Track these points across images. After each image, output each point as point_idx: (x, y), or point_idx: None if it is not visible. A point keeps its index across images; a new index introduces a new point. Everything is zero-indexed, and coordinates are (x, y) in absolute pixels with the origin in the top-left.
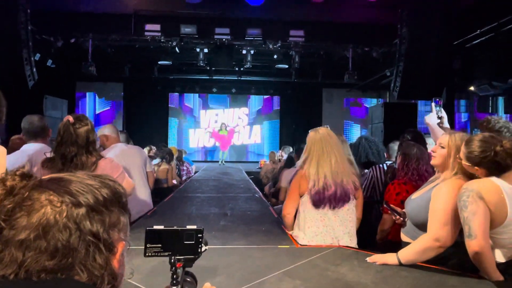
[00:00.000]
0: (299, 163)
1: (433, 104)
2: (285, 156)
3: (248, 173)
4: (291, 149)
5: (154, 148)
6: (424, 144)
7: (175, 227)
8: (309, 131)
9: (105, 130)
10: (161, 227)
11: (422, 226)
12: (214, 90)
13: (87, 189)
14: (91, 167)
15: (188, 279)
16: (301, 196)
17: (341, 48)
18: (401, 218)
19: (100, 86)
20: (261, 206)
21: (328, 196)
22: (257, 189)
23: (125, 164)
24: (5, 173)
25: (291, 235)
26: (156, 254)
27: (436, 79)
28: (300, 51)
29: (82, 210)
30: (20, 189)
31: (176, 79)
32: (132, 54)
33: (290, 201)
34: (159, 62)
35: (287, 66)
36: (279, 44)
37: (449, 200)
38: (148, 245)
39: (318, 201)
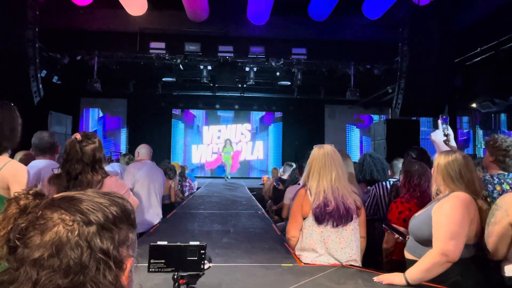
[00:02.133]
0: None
1: (440, 121)
2: (286, 174)
3: (251, 189)
4: (293, 166)
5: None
6: (428, 161)
7: (178, 243)
8: (314, 146)
9: (141, 149)
10: (165, 243)
11: (424, 242)
12: (217, 106)
13: (97, 207)
14: (96, 185)
15: None
16: (304, 218)
17: (343, 65)
18: (401, 238)
19: (104, 102)
20: (264, 223)
21: (329, 212)
22: (259, 206)
23: (149, 179)
24: (18, 192)
25: (294, 253)
26: (160, 269)
27: (438, 96)
28: (302, 68)
29: (93, 228)
30: (33, 208)
31: (180, 95)
32: (137, 71)
33: (293, 224)
34: (163, 79)
35: (289, 83)
36: (281, 62)
37: (455, 212)
38: (151, 261)
39: (320, 216)
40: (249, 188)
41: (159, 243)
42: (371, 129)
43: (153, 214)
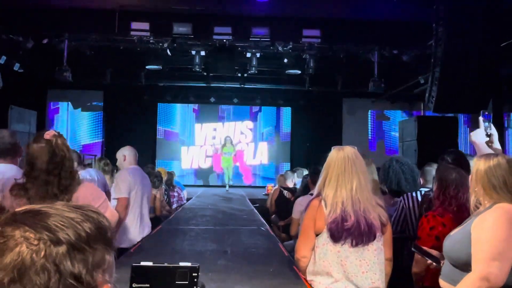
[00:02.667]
0: (316, 188)
1: (481, 118)
2: (298, 181)
3: (253, 200)
4: (305, 172)
5: None
6: (467, 168)
7: (165, 264)
8: (332, 148)
9: (125, 151)
10: (150, 263)
11: (462, 267)
12: (212, 100)
13: (67, 224)
14: (67, 194)
15: None
16: (317, 235)
17: (364, 50)
18: (435, 264)
19: (76, 94)
20: (268, 242)
21: (348, 228)
22: (263, 220)
23: (142, 186)
24: None
25: (305, 278)
26: None
27: (480, 88)
28: (315, 54)
29: (62, 249)
30: None
31: (167, 86)
32: (115, 57)
33: (304, 241)
34: (147, 67)
35: (299, 72)
36: (290, 46)
37: (498, 228)
38: (134, 285)
39: (336, 233)
40: (250, 199)
41: (142, 263)
42: (399, 128)
43: (146, 226)
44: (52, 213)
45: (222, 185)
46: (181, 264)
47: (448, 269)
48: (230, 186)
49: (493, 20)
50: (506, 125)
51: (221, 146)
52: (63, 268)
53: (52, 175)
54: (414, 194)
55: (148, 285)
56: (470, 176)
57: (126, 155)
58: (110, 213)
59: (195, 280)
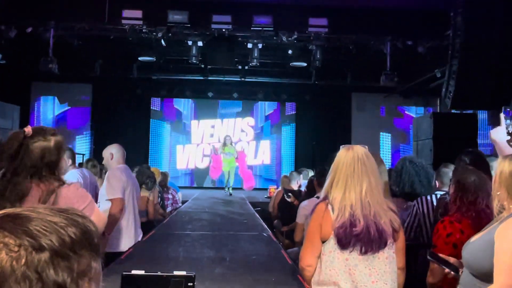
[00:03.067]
0: (322, 191)
1: (502, 115)
2: (303, 183)
3: (254, 204)
4: (310, 173)
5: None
6: (486, 169)
7: (158, 273)
8: (341, 147)
9: (113, 149)
10: (141, 272)
11: (484, 277)
12: (210, 94)
13: (50, 229)
14: (46, 196)
15: None
16: (323, 242)
17: (376, 41)
18: (453, 272)
19: (62, 88)
20: (270, 248)
21: (357, 234)
22: (265, 225)
23: (133, 187)
24: None
25: None
26: None
27: (501, 83)
28: (322, 45)
29: (45, 256)
30: None
31: (161, 80)
32: (105, 47)
33: (309, 248)
34: (140, 58)
35: (305, 65)
36: (295, 36)
37: None
38: None
39: (344, 239)
40: (251, 203)
41: (133, 272)
42: (414, 125)
43: (138, 228)
44: (34, 217)
45: (221, 187)
46: (176, 272)
47: (467, 278)
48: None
49: None
50: None
51: (221, 146)
52: (45, 277)
53: (22, 173)
54: (429, 197)
55: None
56: (494, 178)
57: (113, 153)
58: (96, 216)
59: (192, 285)
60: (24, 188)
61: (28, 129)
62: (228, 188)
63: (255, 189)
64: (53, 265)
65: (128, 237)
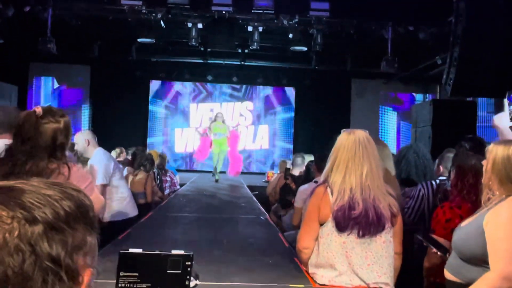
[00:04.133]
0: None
1: (506, 101)
2: (297, 168)
3: (252, 188)
4: (304, 159)
5: (124, 152)
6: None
7: (156, 251)
8: (342, 131)
9: (87, 135)
10: (139, 250)
11: (470, 260)
12: (210, 78)
13: (44, 201)
14: (50, 175)
15: None
16: (321, 225)
17: (377, 26)
18: (439, 253)
19: (61, 69)
20: (268, 232)
21: (355, 217)
22: (262, 209)
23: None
24: None
25: (306, 271)
26: (132, 285)
27: (502, 70)
28: (323, 30)
29: (39, 228)
30: None
31: (160, 62)
32: (104, 28)
33: (306, 231)
34: (139, 40)
35: (305, 49)
36: (296, 20)
37: None
38: (121, 274)
39: (343, 221)
40: (249, 187)
41: (131, 250)
42: (413, 112)
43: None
44: (27, 190)
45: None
46: (174, 252)
47: (454, 262)
48: (222, 173)
49: None
50: None
51: (211, 124)
52: (39, 250)
53: (36, 154)
54: (433, 182)
55: (136, 274)
56: (485, 165)
57: (89, 139)
58: (95, 197)
59: (189, 269)
60: (41, 170)
61: (39, 110)
62: (215, 174)
63: (253, 173)
64: (47, 238)
65: (129, 207)
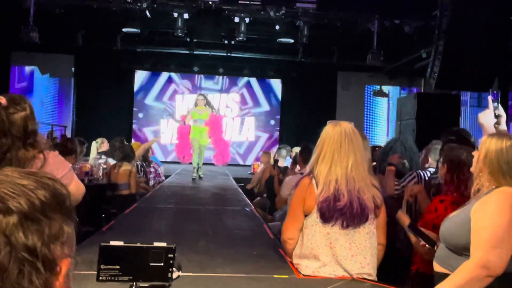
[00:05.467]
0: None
1: (489, 97)
2: (287, 162)
3: (238, 179)
4: (290, 151)
5: (106, 142)
6: (471, 147)
7: (138, 244)
8: (328, 122)
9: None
10: (120, 243)
11: (459, 251)
12: (196, 69)
13: (18, 191)
14: (29, 163)
15: None
16: (306, 216)
17: (363, 19)
18: (428, 246)
19: (43, 58)
20: (253, 223)
21: (340, 208)
22: (248, 201)
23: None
24: None
25: (291, 262)
26: (113, 278)
27: (486, 64)
28: (310, 22)
29: (13, 219)
30: None
31: (146, 52)
32: (88, 17)
33: (291, 222)
34: (124, 30)
35: (292, 41)
36: (282, 12)
37: (501, 213)
38: (102, 266)
39: (327, 212)
40: (235, 178)
41: (112, 243)
42: (397, 105)
43: None
44: (1, 180)
45: (210, 163)
46: (156, 244)
47: (443, 253)
48: (206, 164)
49: None
50: (511, 104)
51: (191, 111)
52: (14, 240)
53: (14, 144)
54: (424, 173)
55: (117, 267)
56: (476, 157)
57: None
58: (75, 185)
59: (171, 261)
60: (22, 160)
61: (3, 100)
62: (197, 170)
63: (238, 165)
64: (22, 228)
65: None
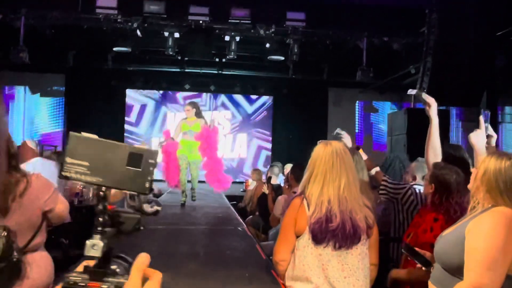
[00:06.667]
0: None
1: (481, 118)
2: (279, 179)
3: (230, 197)
4: (282, 168)
5: None
6: (463, 165)
7: (115, 142)
8: (318, 142)
9: (31, 144)
10: (94, 136)
11: (454, 271)
12: (187, 86)
13: None
14: (14, 187)
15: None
16: (297, 237)
17: (353, 37)
18: (423, 267)
19: (34, 78)
20: (245, 243)
21: (332, 229)
22: (240, 220)
23: None
24: None
25: (283, 283)
26: (79, 176)
27: (474, 79)
28: (300, 39)
29: None
30: None
31: (137, 71)
32: (79, 37)
33: (283, 243)
34: (115, 49)
35: (282, 58)
36: (272, 30)
37: (496, 234)
38: (68, 159)
39: (319, 234)
40: (227, 196)
41: (84, 134)
42: (388, 121)
43: None
44: None
45: (202, 180)
46: (136, 145)
47: (438, 272)
48: (202, 182)
49: (489, 7)
50: (499, 120)
51: (179, 124)
52: None
53: None
54: (418, 190)
55: (87, 163)
56: (474, 174)
57: (33, 148)
58: (60, 207)
59: (151, 168)
60: (7, 184)
61: None
62: (186, 194)
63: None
64: None
65: None
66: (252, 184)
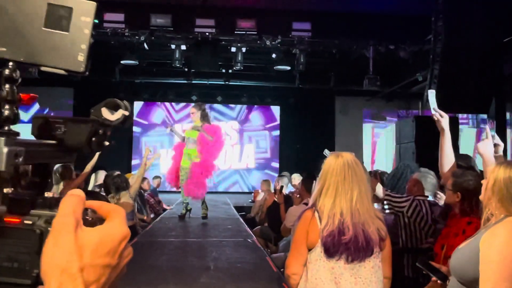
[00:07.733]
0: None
1: (488, 127)
2: (287, 189)
3: (238, 208)
4: (289, 178)
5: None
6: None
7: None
8: (329, 154)
9: None
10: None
11: (470, 284)
12: (194, 98)
13: None
14: None
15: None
16: (309, 250)
17: (359, 45)
18: (439, 281)
19: (43, 91)
20: (255, 255)
21: (345, 242)
22: (250, 231)
23: None
24: None
25: None
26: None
27: (482, 86)
28: (306, 49)
29: None
30: None
31: (144, 83)
32: None
33: (295, 256)
34: (122, 62)
35: (289, 68)
36: (278, 40)
37: (509, 246)
38: None
39: (332, 247)
40: (235, 207)
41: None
42: (396, 129)
43: None
44: None
45: (211, 191)
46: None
47: (454, 286)
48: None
49: (495, 14)
50: (508, 126)
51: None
52: None
53: None
54: (427, 202)
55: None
56: (485, 185)
57: None
58: None
59: (89, 20)
60: None
61: None
62: (185, 207)
63: (239, 192)
64: None
65: None
66: (261, 195)
